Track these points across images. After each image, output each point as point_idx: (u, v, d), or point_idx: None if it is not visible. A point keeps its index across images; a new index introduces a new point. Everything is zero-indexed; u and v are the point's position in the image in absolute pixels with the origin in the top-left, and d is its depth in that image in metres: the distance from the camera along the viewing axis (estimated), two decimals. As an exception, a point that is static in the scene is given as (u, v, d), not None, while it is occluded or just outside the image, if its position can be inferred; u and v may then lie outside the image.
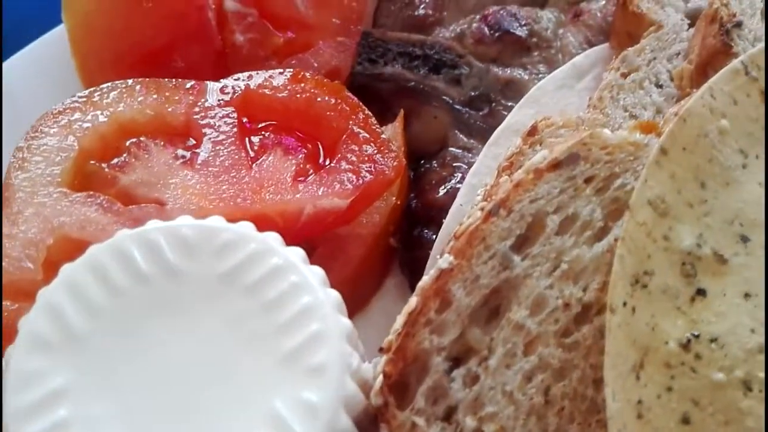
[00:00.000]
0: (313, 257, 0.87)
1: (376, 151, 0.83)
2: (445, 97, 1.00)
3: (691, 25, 0.88)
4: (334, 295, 0.65)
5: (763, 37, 0.76)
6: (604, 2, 1.07)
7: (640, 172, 0.68)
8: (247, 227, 0.66)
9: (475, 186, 0.87)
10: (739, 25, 0.76)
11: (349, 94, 0.89)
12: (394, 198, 0.90)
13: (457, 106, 1.00)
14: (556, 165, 0.68)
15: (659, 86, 0.83)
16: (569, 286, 0.65)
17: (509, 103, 1.00)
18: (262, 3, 1.01)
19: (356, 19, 1.07)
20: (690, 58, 0.80)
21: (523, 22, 1.04)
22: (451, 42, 1.04)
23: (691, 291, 0.63)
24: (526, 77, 1.01)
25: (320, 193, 0.79)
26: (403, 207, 0.94)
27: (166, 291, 0.62)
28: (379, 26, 1.07)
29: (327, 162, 0.83)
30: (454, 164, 0.97)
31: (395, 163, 0.84)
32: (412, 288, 0.93)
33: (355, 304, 0.93)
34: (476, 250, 0.65)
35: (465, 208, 0.84)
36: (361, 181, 0.80)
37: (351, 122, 0.85)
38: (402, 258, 0.95)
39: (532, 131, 0.79)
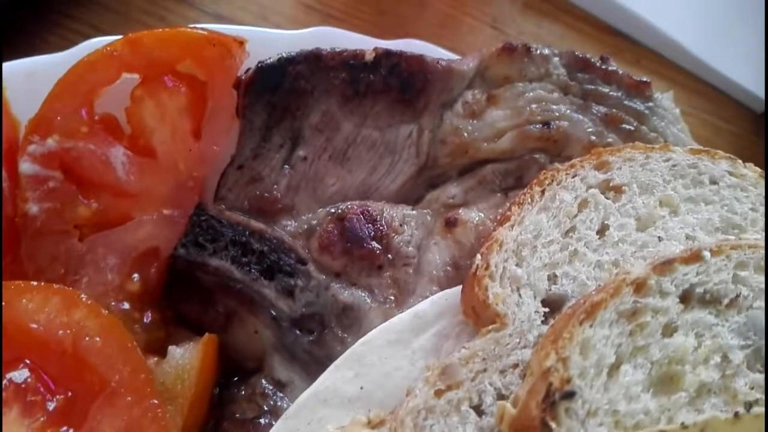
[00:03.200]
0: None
1: (135, 420, 0.69)
2: (272, 311, 0.86)
3: (549, 315, 0.74)
4: None
5: (600, 414, 0.62)
6: (483, 215, 0.91)
7: None
8: None
9: (253, 473, 0.74)
10: (570, 396, 0.61)
11: (126, 333, 0.73)
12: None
13: (284, 324, 0.85)
14: None
15: (480, 412, 0.69)
16: None
17: (343, 334, 0.85)
18: (70, 165, 0.84)
19: (193, 187, 0.90)
20: (516, 396, 0.66)
21: (381, 233, 0.88)
22: (293, 242, 0.88)
23: None
24: (370, 305, 0.86)
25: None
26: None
27: None
28: (219, 199, 0.90)
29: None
30: (261, 403, 0.83)
31: (160, 436, 0.70)
32: None
33: None
34: None
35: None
36: (102, 469, 0.66)
37: (116, 376, 0.71)
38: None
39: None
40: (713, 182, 0.85)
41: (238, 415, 0.83)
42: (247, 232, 0.88)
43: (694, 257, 0.69)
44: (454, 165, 0.95)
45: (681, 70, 1.31)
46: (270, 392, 0.83)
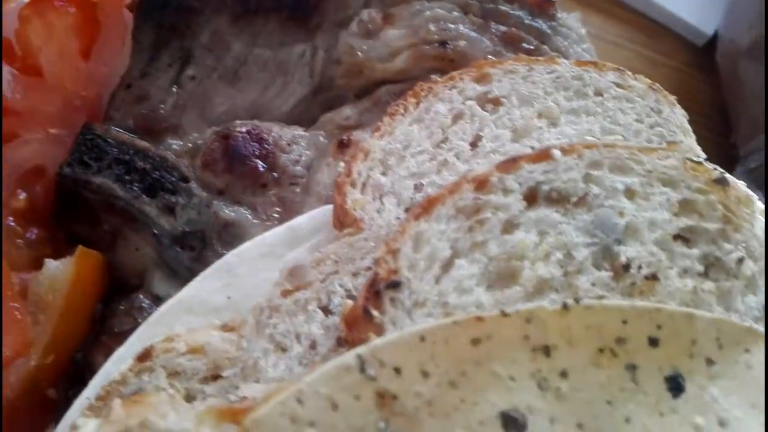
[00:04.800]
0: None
1: (-9, 324, 0.70)
2: (154, 228, 0.86)
3: (410, 223, 0.73)
4: None
5: (429, 305, 0.61)
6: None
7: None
8: None
9: (113, 376, 0.74)
10: (395, 286, 0.60)
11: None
12: (33, 362, 0.76)
13: (165, 241, 0.85)
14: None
15: (328, 311, 0.68)
16: None
17: (223, 250, 0.85)
18: (-48, 81, 0.84)
19: (81, 107, 0.90)
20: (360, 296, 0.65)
21: (266, 151, 0.87)
22: (177, 160, 0.88)
23: None
24: (251, 221, 0.86)
25: None
26: (68, 356, 0.82)
27: None
28: (108, 119, 0.90)
29: None
30: (137, 317, 0.83)
31: (19, 339, 0.71)
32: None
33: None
34: None
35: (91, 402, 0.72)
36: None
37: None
38: (59, 416, 0.83)
39: (145, 355, 0.65)
40: (598, 94, 0.82)
41: (116, 329, 0.84)
42: (132, 151, 0.88)
43: (542, 156, 0.67)
44: (351, 86, 0.93)
45: (615, 1, 1.27)
46: (146, 306, 0.84)
